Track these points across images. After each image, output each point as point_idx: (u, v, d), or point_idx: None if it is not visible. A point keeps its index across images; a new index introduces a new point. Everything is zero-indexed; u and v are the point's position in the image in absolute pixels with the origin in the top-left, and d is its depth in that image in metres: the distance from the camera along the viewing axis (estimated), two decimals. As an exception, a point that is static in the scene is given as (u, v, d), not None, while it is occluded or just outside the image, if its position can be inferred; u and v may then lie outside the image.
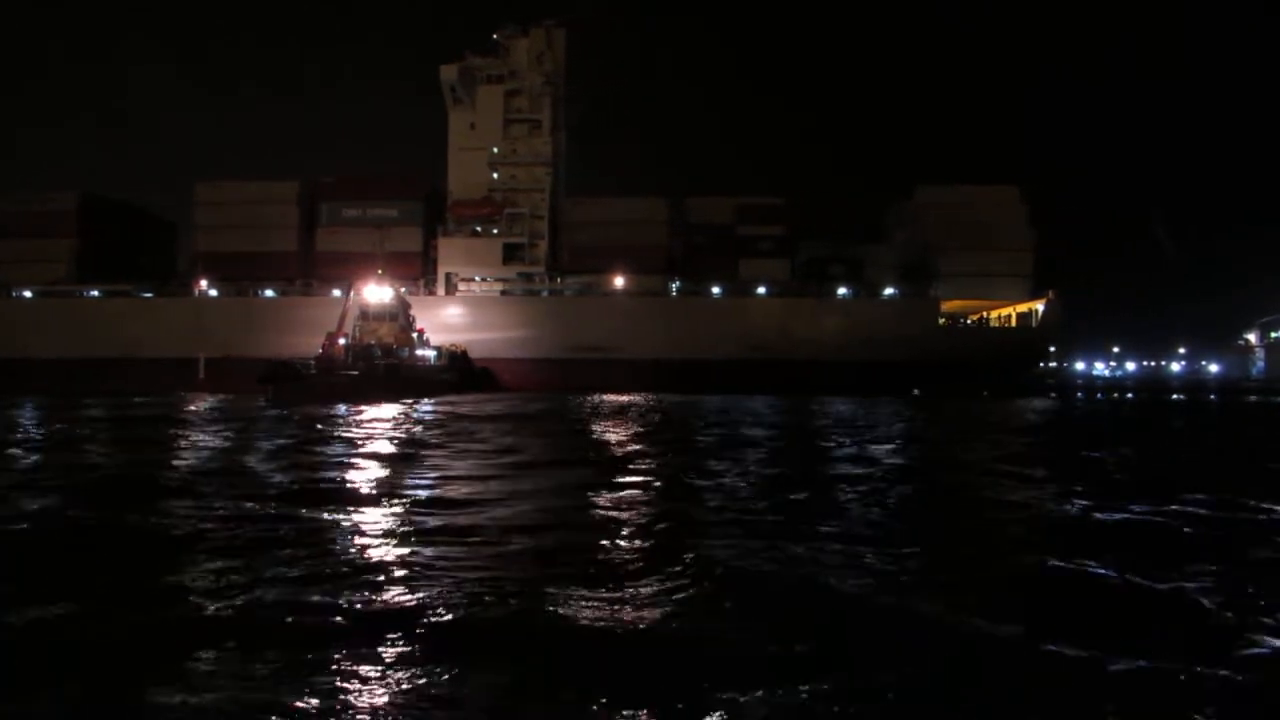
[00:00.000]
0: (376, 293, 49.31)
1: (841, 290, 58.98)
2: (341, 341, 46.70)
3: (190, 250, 60.44)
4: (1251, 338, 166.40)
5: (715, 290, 58.86)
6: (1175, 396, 59.18)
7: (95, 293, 57.84)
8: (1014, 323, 59.65)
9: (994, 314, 61.38)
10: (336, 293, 58.23)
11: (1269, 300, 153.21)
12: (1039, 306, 57.73)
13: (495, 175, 61.34)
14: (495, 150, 61.34)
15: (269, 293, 58.58)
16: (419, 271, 59.27)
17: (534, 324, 57.12)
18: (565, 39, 64.13)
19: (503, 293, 59.12)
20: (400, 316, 49.77)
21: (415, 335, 51.08)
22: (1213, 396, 59.33)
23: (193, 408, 33.29)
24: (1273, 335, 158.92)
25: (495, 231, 60.37)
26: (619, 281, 58.29)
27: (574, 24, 63.94)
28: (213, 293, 57.98)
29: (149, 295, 58.05)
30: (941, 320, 58.66)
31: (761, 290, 58.61)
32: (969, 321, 61.31)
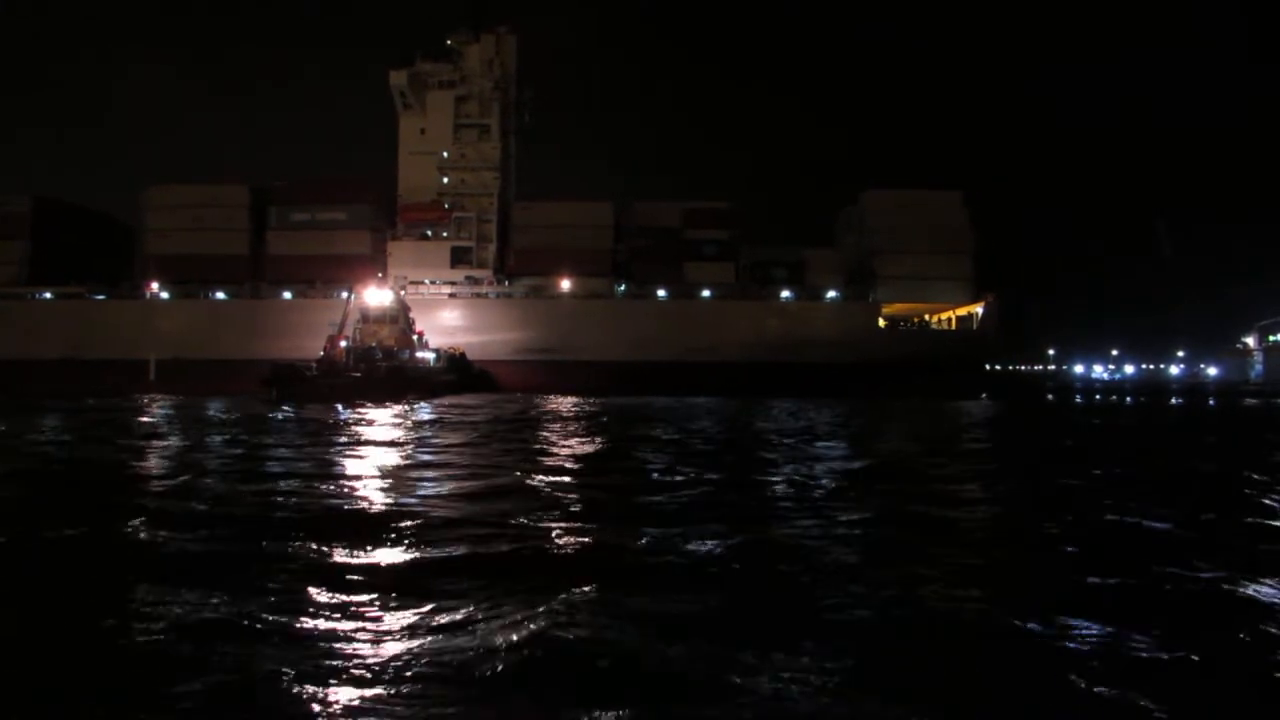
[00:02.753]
0: (377, 295, 51.18)
1: (784, 293, 60.98)
2: (343, 344, 48.41)
3: (142, 253, 62.29)
4: (1250, 341, 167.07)
5: (661, 293, 60.84)
6: (1175, 400, 61.14)
7: (48, 295, 59.95)
8: (954, 325, 61.48)
9: (938, 316, 63.26)
10: (287, 295, 60.64)
11: (1268, 303, 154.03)
12: (979, 309, 59.58)
13: (445, 180, 63.45)
14: (445, 155, 63.47)
15: (220, 295, 60.67)
16: (368, 275, 61.21)
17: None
18: (516, 44, 66.33)
19: (451, 295, 61.10)
20: (400, 319, 51.61)
21: (415, 338, 52.85)
22: (1211, 401, 61.28)
23: (219, 412, 34.68)
24: (1271, 339, 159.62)
25: (445, 235, 62.48)
26: (565, 284, 60.36)
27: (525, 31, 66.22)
28: (164, 295, 60.10)
29: (101, 297, 60.18)
30: (882, 323, 60.52)
31: (706, 293, 60.58)
32: (913, 324, 63.21)
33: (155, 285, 60.08)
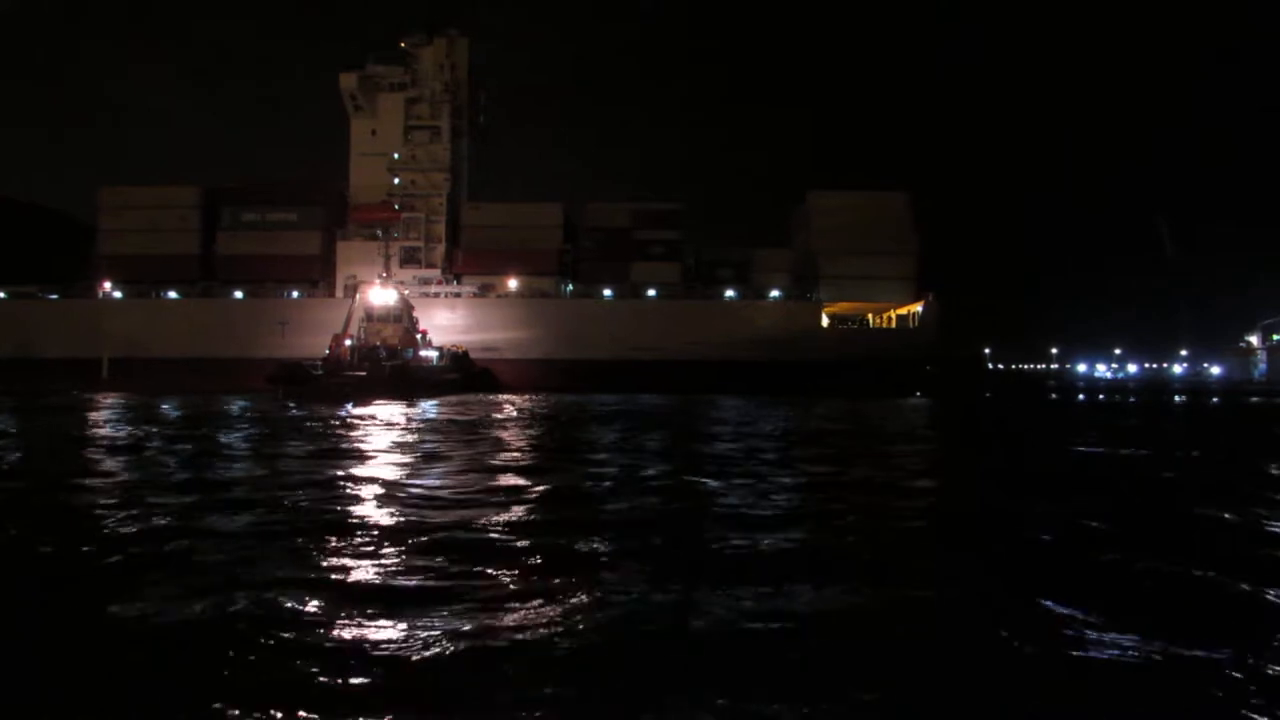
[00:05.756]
0: (381, 295, 52.90)
1: (729, 293, 63.13)
2: (348, 343, 50.15)
3: (95, 253, 64.48)
4: (1253, 340, 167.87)
5: (606, 293, 63.05)
6: (1179, 398, 63.58)
7: (1, 294, 62.43)
8: (894, 324, 63.50)
9: (885, 315, 65.17)
10: (238, 295, 63.05)
11: (1271, 302, 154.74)
12: (918, 309, 61.59)
13: (396, 181, 65.78)
14: (396, 156, 65.80)
15: (171, 295, 63.07)
16: (318, 274, 63.66)
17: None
18: (469, 47, 68.63)
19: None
20: (404, 318, 53.54)
21: (419, 337, 54.82)
22: (1215, 399, 63.30)
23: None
24: (1274, 337, 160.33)
25: (395, 235, 64.80)
26: (512, 284, 62.69)
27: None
28: (116, 295, 62.52)
29: (54, 297, 62.63)
30: (826, 322, 62.55)
31: (652, 292, 62.79)
32: (855, 323, 65.20)
33: (108, 285, 62.48)
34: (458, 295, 63.50)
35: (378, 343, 51.11)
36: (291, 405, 38.16)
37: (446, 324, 60.98)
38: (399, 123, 66.10)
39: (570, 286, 64.06)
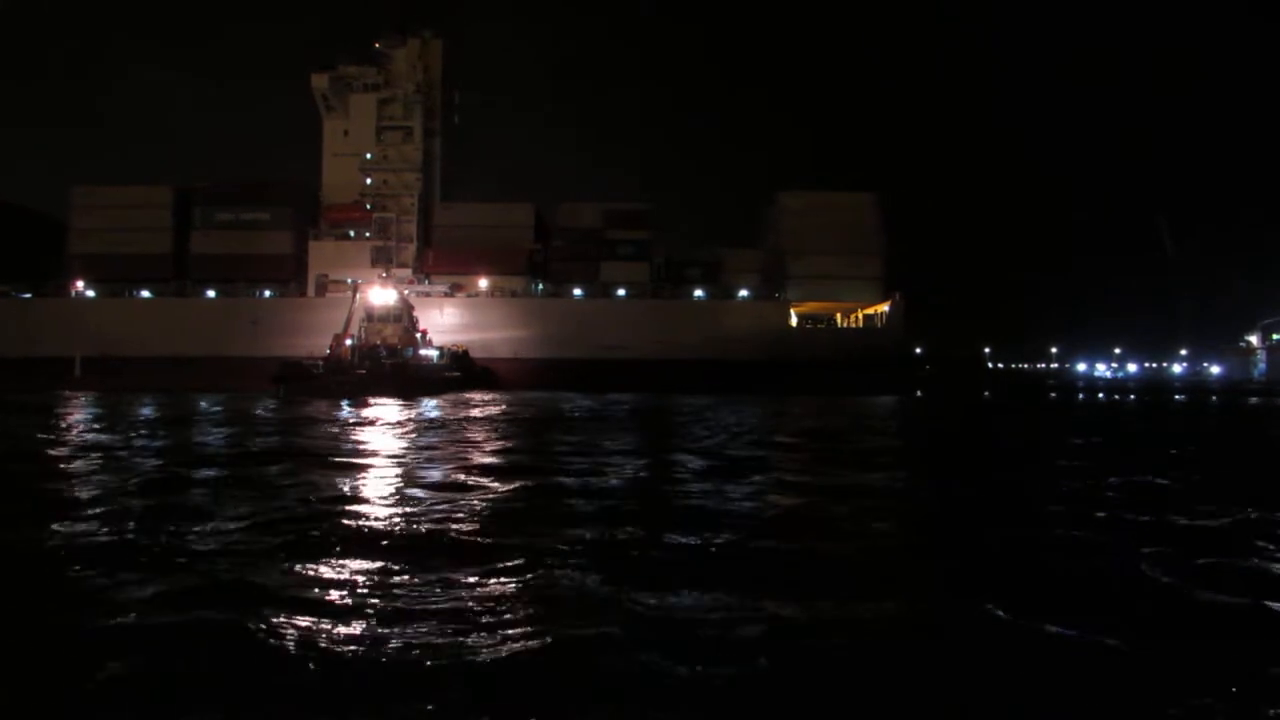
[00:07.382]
0: (381, 295, 53.96)
1: (697, 292, 64.00)
2: (348, 343, 51.29)
3: (67, 252, 65.28)
4: (1253, 339, 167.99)
5: (576, 292, 63.95)
6: (1179, 397, 64.84)
7: None
8: (861, 324, 64.28)
9: (853, 315, 65.94)
10: (210, 294, 64.00)
11: (1271, 301, 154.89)
12: (885, 308, 62.39)
13: (368, 181, 66.76)
14: (368, 156, 66.79)
15: (144, 294, 64.02)
16: (289, 273, 64.57)
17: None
18: (442, 48, 69.61)
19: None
20: (404, 318, 54.57)
21: (419, 336, 55.75)
22: (1214, 398, 64.04)
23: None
24: (1274, 337, 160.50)
25: (366, 235, 65.78)
26: (482, 283, 63.62)
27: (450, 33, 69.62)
28: (90, 294, 63.51)
29: (27, 296, 63.60)
30: (794, 322, 63.36)
31: (621, 292, 63.66)
32: (825, 323, 66.00)
33: (80, 284, 63.41)
34: (428, 294, 64.37)
35: (378, 342, 52.13)
36: (263, 409, 38.88)
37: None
38: (371, 123, 67.13)
39: (541, 286, 64.95)
